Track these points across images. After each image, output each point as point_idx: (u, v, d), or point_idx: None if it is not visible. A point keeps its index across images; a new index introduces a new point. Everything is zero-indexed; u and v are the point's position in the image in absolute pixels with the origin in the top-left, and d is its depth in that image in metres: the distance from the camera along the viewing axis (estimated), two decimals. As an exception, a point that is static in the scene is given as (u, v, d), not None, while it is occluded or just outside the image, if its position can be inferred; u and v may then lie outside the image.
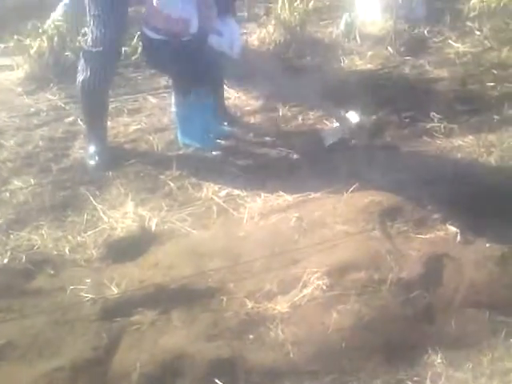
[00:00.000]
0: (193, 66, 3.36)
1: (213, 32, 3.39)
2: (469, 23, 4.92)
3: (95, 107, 3.57)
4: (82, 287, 2.73)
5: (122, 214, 3.22)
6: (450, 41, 4.70)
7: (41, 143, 3.77)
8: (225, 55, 3.48)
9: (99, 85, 3.45)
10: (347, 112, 3.76)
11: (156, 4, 3.21)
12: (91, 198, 3.33)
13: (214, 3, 3.37)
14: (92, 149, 3.59)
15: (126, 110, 4.06)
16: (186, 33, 3.29)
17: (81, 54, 3.46)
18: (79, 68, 3.45)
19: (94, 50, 3.34)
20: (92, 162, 3.57)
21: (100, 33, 3.29)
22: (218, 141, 3.70)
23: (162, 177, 3.51)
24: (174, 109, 3.73)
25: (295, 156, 3.61)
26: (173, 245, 3.01)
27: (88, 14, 3.30)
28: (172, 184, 3.44)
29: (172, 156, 3.64)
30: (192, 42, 3.32)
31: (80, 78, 3.45)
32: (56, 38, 4.29)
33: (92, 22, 3.30)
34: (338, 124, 3.77)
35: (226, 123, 3.84)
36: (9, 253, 2.97)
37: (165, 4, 3.21)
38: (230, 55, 3.47)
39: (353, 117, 3.71)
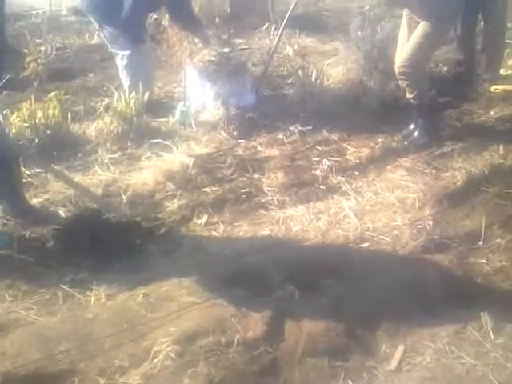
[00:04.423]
0: None
1: None
2: (294, 108, 5.33)
3: None
4: None
5: (-37, 309, 3.15)
6: (277, 123, 5.07)
7: None
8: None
9: None
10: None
11: None
12: None
13: None
14: None
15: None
16: None
17: None
18: None
19: None
20: None
21: None
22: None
23: (2, 268, 3.46)
24: None
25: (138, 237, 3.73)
26: (19, 333, 2.99)
27: None
28: (15, 274, 3.41)
29: (13, 246, 3.61)
30: None
31: None
32: None
33: None
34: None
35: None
36: None
37: None
38: None
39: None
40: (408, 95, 4.63)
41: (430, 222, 3.71)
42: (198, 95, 5.25)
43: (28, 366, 2.75)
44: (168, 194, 4.11)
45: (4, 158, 3.68)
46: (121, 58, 5.24)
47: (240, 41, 6.79)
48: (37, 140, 4.56)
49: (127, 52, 5.18)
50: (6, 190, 3.81)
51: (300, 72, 5.68)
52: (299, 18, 6.88)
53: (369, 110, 5.11)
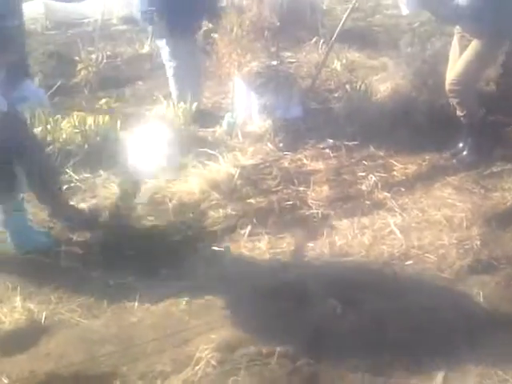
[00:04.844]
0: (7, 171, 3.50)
1: (18, 100, 3.41)
2: (341, 122, 5.32)
3: None
4: (-31, 381, 2.68)
5: (10, 308, 3.23)
6: (323, 136, 5.05)
7: None
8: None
9: None
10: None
11: None
12: (-24, 294, 3.32)
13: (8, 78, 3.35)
14: None
15: None
16: None
17: None
18: None
19: None
20: None
21: None
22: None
23: (49, 270, 3.53)
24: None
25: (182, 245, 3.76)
26: (64, 334, 3.04)
27: None
28: (60, 277, 3.47)
29: (59, 249, 3.69)
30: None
31: None
32: None
33: None
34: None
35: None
36: None
37: None
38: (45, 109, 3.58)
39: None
40: (458, 113, 4.58)
41: (478, 242, 3.64)
42: (246, 107, 5.28)
43: (71, 368, 2.79)
44: (213, 203, 4.13)
45: (39, 163, 3.75)
46: (169, 68, 5.32)
47: (288, 54, 6.80)
48: (86, 146, 4.65)
49: (175, 62, 5.25)
50: (45, 193, 3.89)
51: (348, 86, 5.66)
52: (348, 33, 6.87)
53: (417, 127, 5.04)
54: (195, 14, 5.27)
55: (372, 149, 4.85)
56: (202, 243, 3.77)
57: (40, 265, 3.59)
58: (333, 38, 5.44)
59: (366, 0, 8.86)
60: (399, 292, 3.24)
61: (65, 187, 4.31)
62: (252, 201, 4.18)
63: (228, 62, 5.98)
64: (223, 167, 4.48)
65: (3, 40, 3.16)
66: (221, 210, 4.05)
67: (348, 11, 5.44)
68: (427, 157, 4.71)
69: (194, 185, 4.29)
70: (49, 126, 4.72)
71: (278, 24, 6.74)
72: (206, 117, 5.38)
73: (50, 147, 4.60)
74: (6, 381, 2.69)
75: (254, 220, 3.95)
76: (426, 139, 4.91)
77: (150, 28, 5.44)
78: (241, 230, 3.87)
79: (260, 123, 5.12)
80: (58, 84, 5.57)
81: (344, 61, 6.46)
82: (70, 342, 2.98)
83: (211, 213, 4.04)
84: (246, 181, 4.38)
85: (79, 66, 6.31)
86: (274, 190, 4.33)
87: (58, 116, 4.83)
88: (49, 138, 4.68)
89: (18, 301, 3.27)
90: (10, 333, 3.07)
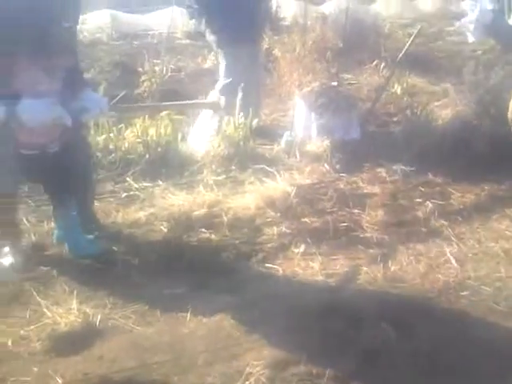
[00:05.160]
0: (68, 176, 3.57)
1: (81, 111, 3.45)
2: (399, 147, 5.29)
3: None
4: (25, 379, 2.75)
5: (66, 310, 3.29)
6: (380, 160, 5.05)
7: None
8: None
9: None
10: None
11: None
12: (35, 293, 3.40)
13: (66, 87, 3.37)
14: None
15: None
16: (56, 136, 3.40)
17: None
18: None
19: None
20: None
21: None
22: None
23: (106, 275, 3.61)
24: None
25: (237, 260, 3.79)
26: (117, 340, 3.08)
27: None
28: (116, 283, 3.54)
29: (116, 257, 3.78)
30: (59, 153, 3.46)
31: None
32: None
33: None
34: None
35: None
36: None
37: (27, 119, 3.23)
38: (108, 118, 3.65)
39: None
40: None
41: (536, 277, 3.58)
42: (305, 126, 5.32)
43: (123, 373, 2.83)
44: (268, 220, 4.17)
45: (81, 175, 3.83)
46: (224, 80, 5.41)
47: (349, 76, 6.84)
48: (147, 155, 4.75)
49: (232, 76, 5.33)
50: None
51: (408, 111, 5.65)
52: (409, 57, 6.85)
53: (477, 155, 4.99)
54: (254, 25, 5.33)
55: (430, 175, 4.82)
56: (256, 259, 3.80)
57: (97, 271, 3.67)
58: (396, 62, 5.44)
59: (428, 26, 8.86)
60: (453, 321, 3.20)
61: (124, 195, 4.42)
62: (307, 220, 4.19)
63: (289, 80, 6.05)
64: (280, 185, 4.52)
65: (53, 41, 3.15)
66: (275, 228, 4.08)
67: (413, 36, 5.44)
68: (486, 187, 4.66)
69: (250, 201, 4.33)
70: (112, 135, 4.85)
71: (341, 46, 6.82)
72: (264, 133, 5.43)
73: (112, 155, 4.74)
74: (60, 381, 2.74)
75: (308, 239, 3.96)
76: (486, 169, 4.85)
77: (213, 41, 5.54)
78: (294, 249, 3.88)
79: (318, 143, 5.15)
80: (122, 94, 5.70)
81: (405, 85, 6.46)
82: (122, 347, 3.02)
83: (266, 229, 4.08)
84: (302, 200, 4.40)
85: (143, 77, 6.47)
86: (328, 210, 4.34)
87: (122, 125, 4.95)
88: (111, 146, 4.82)
89: (74, 303, 3.33)
90: (64, 334, 3.12)
